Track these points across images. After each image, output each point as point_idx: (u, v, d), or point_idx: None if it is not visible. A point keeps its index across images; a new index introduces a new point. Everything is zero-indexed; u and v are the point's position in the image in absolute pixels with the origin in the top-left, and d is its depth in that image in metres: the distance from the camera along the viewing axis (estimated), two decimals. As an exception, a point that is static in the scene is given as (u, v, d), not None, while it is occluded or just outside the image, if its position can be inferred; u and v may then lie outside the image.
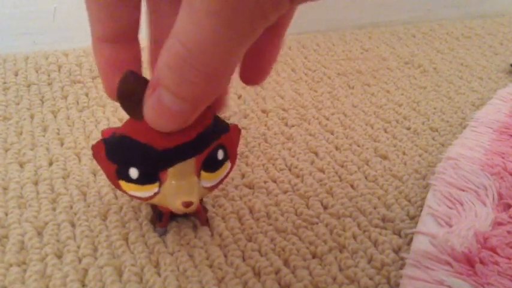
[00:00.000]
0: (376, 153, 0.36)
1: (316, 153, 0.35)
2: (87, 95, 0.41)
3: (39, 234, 0.26)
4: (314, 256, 0.26)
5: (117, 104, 0.39)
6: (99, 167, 0.31)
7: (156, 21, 0.22)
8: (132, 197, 0.23)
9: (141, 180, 0.22)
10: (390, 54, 0.54)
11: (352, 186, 0.32)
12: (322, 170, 0.33)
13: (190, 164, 0.22)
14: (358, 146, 0.36)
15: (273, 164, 0.33)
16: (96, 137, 0.35)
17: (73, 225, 0.27)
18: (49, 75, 0.43)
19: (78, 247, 0.26)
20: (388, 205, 0.30)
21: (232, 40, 0.15)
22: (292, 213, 0.29)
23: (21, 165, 0.32)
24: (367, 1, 0.63)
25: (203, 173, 0.23)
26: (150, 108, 0.18)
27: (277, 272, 0.25)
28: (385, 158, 0.35)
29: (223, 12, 0.14)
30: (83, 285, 0.24)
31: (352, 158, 0.35)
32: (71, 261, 0.25)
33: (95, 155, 0.23)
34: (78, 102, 0.40)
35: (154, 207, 0.27)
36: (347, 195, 0.31)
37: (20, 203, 0.28)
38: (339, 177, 0.33)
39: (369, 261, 0.26)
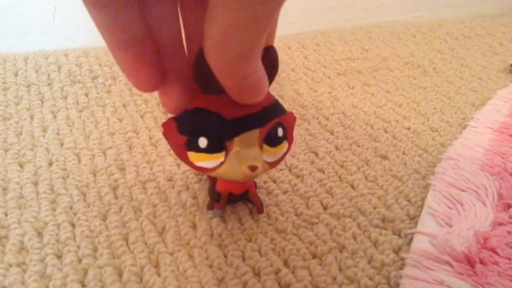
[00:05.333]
0: (376, 153, 0.36)
1: (316, 153, 0.35)
2: (87, 95, 0.41)
3: (39, 234, 0.26)
4: (314, 256, 0.26)
5: (117, 104, 0.40)
6: (99, 167, 0.32)
7: (185, 22, 0.23)
8: (199, 169, 0.24)
9: (210, 149, 0.23)
10: (390, 54, 0.54)
11: (352, 186, 0.32)
12: (322, 170, 0.33)
13: (254, 134, 0.23)
14: (358, 146, 0.36)
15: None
16: (96, 137, 0.35)
17: (73, 225, 0.27)
18: (49, 76, 0.43)
19: (78, 247, 0.26)
20: (388, 205, 0.30)
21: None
22: (292, 213, 0.29)
23: (21, 165, 0.32)
24: (367, 1, 0.63)
25: (265, 147, 0.24)
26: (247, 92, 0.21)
27: (277, 272, 0.25)
28: (385, 158, 0.35)
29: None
30: (83, 286, 0.24)
31: (352, 158, 0.35)
32: (71, 262, 0.25)
33: (165, 132, 0.25)
34: (78, 103, 0.40)
35: (212, 192, 0.28)
36: (347, 195, 0.31)
37: (20, 203, 0.28)
38: (339, 177, 0.33)
39: (369, 261, 0.26)
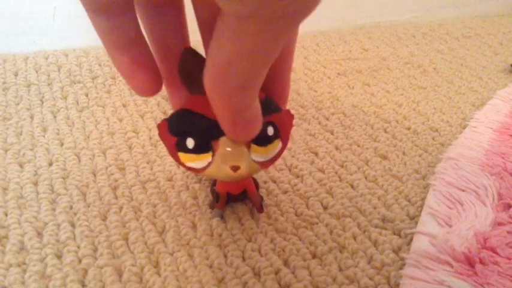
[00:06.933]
0: (376, 153, 0.36)
1: (316, 153, 0.35)
2: (87, 95, 0.41)
3: (39, 234, 0.26)
4: (314, 256, 0.26)
5: (117, 104, 0.40)
6: (99, 167, 0.32)
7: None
8: (189, 169, 0.24)
9: (197, 150, 0.23)
10: (390, 54, 0.54)
11: (352, 186, 0.32)
12: (322, 170, 0.33)
13: None
14: (358, 146, 0.36)
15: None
16: (96, 137, 0.35)
17: (73, 225, 0.27)
18: (49, 76, 0.43)
19: (78, 247, 0.26)
20: (388, 205, 0.30)
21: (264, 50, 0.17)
22: (292, 213, 0.29)
23: (21, 165, 0.32)
24: (367, 1, 0.63)
25: (253, 146, 0.24)
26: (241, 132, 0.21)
27: (277, 272, 0.25)
28: (385, 158, 0.35)
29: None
30: (83, 286, 0.24)
31: (352, 158, 0.35)
32: (71, 262, 0.25)
33: (160, 134, 0.25)
34: (78, 103, 0.40)
35: (212, 192, 0.28)
36: (347, 195, 0.31)
37: (20, 203, 0.28)
38: (339, 177, 0.33)
39: (369, 261, 0.26)
